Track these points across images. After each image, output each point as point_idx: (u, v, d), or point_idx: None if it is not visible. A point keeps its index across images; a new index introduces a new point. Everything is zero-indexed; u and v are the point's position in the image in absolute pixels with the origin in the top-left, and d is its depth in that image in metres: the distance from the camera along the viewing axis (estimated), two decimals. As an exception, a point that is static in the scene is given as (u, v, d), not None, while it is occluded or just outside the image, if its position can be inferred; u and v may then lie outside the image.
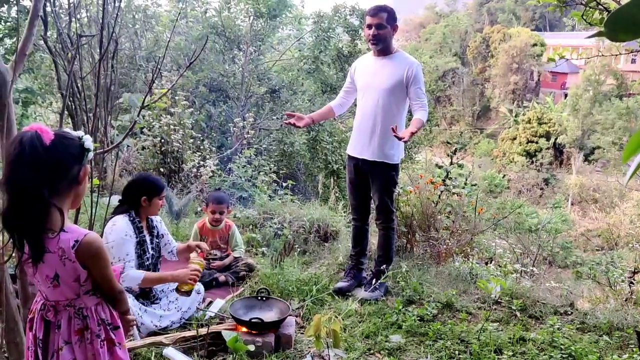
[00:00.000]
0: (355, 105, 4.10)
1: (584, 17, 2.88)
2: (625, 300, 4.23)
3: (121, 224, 3.28)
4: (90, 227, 2.54)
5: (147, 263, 3.40)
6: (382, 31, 3.69)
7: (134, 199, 3.36)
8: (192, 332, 3.05)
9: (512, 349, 3.15)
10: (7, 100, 2.05)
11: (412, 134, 3.45)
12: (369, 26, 3.73)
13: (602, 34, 0.65)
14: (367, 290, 3.87)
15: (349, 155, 4.05)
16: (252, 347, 2.78)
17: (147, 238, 3.43)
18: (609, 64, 33.79)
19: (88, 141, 1.76)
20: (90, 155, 1.79)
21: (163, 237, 3.58)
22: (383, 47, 3.75)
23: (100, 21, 2.74)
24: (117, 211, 3.39)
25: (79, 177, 1.76)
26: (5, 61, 2.05)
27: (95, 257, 1.75)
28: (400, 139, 3.40)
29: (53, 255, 1.70)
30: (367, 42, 3.85)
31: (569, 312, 3.77)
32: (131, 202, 3.37)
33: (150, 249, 3.43)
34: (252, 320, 3.07)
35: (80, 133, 1.77)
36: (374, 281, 3.77)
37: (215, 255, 4.35)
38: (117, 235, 3.23)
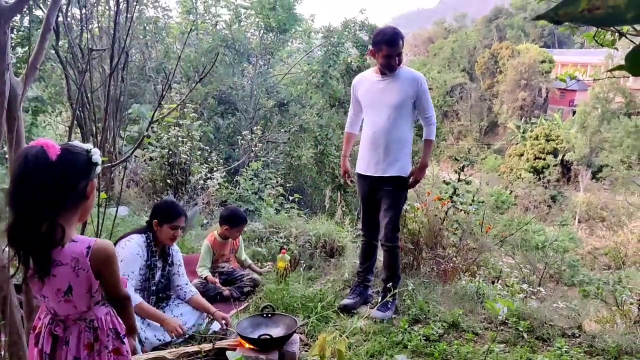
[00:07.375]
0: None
1: (596, 38, 2.87)
2: (634, 323, 4.17)
3: (136, 241, 3.30)
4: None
5: (153, 288, 3.39)
6: (400, 57, 3.67)
7: (150, 221, 3.40)
8: (196, 348, 3.03)
9: (519, 371, 3.11)
10: (17, 114, 2.05)
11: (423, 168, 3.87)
12: (389, 56, 3.61)
13: (622, 68, 0.64)
14: (378, 309, 3.82)
15: (359, 174, 3.96)
16: (256, 367, 2.74)
17: (159, 264, 3.42)
18: (618, 82, 33.71)
19: (96, 155, 1.73)
20: (98, 169, 1.75)
21: (174, 266, 3.52)
22: None
23: (112, 34, 2.76)
24: (138, 230, 3.42)
25: (86, 192, 1.73)
26: (16, 72, 2.06)
27: (108, 261, 1.73)
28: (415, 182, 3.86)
29: (65, 267, 1.67)
30: (383, 68, 3.71)
31: (577, 335, 3.72)
32: (149, 224, 3.40)
33: (159, 276, 3.42)
34: (262, 338, 3.03)
35: (88, 146, 1.74)
36: (385, 300, 3.72)
37: (223, 267, 4.34)
38: (129, 251, 3.24)
